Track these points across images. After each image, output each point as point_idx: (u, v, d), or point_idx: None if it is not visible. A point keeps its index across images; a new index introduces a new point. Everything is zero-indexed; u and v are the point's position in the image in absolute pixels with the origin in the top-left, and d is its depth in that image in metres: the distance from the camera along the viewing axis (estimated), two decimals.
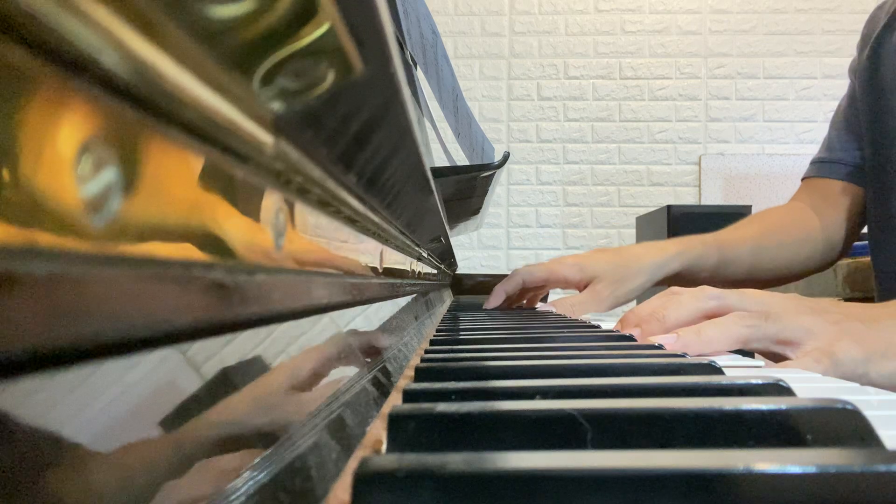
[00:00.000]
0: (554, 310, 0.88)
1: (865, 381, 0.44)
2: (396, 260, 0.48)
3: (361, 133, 0.23)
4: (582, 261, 0.88)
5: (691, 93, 2.66)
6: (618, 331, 0.53)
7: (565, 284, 0.88)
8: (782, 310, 0.48)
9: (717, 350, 0.46)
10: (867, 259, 1.07)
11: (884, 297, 0.85)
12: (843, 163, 0.90)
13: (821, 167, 0.93)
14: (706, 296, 0.50)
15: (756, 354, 0.50)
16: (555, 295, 1.07)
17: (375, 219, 0.34)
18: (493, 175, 0.79)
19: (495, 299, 0.92)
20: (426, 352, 0.38)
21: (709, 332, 0.45)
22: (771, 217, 0.94)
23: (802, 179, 0.96)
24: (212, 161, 0.14)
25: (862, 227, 0.92)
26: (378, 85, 0.20)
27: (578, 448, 0.19)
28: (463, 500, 0.14)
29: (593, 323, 0.66)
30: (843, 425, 0.19)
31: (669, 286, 0.58)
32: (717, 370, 0.30)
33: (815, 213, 0.92)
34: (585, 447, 0.19)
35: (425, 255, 0.72)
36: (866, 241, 0.90)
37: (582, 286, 0.86)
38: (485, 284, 1.48)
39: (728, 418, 0.20)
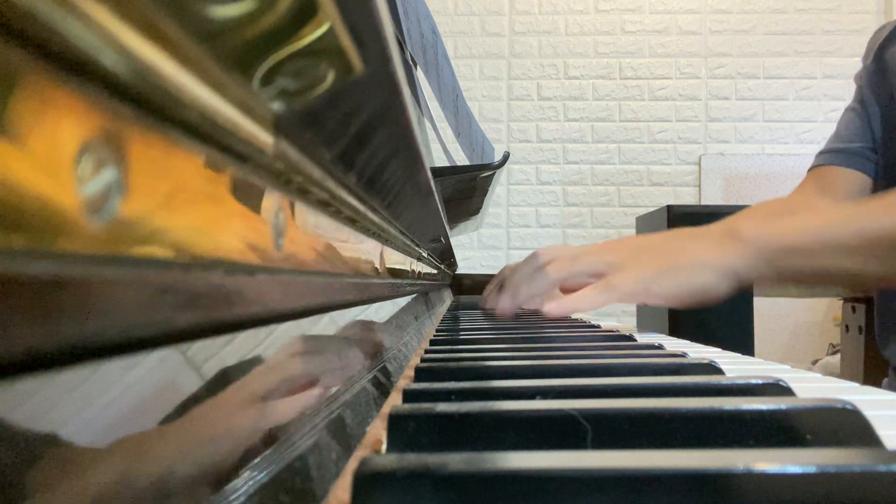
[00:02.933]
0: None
1: (651, 294, 0.60)
2: (396, 260, 0.48)
3: (361, 133, 0.23)
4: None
5: (691, 93, 2.66)
6: (617, 331, 0.54)
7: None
8: (589, 252, 0.64)
9: (546, 289, 0.63)
10: None
11: (884, 296, 0.86)
12: (852, 152, 0.90)
13: (830, 156, 0.92)
14: (534, 257, 0.67)
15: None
16: None
17: (375, 219, 0.34)
18: (493, 175, 0.79)
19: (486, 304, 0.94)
20: (426, 352, 0.38)
21: (533, 286, 0.63)
22: (771, 210, 0.93)
23: (810, 169, 0.95)
24: (212, 161, 0.14)
25: None
26: (378, 85, 0.20)
27: (578, 448, 0.19)
28: (463, 500, 0.14)
29: (593, 323, 0.66)
30: (843, 425, 0.19)
31: None
32: (717, 370, 0.30)
33: (821, 199, 0.91)
34: (585, 447, 0.19)
35: (425, 255, 0.72)
36: None
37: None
38: (485, 284, 1.48)
39: (728, 418, 0.20)
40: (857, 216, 0.60)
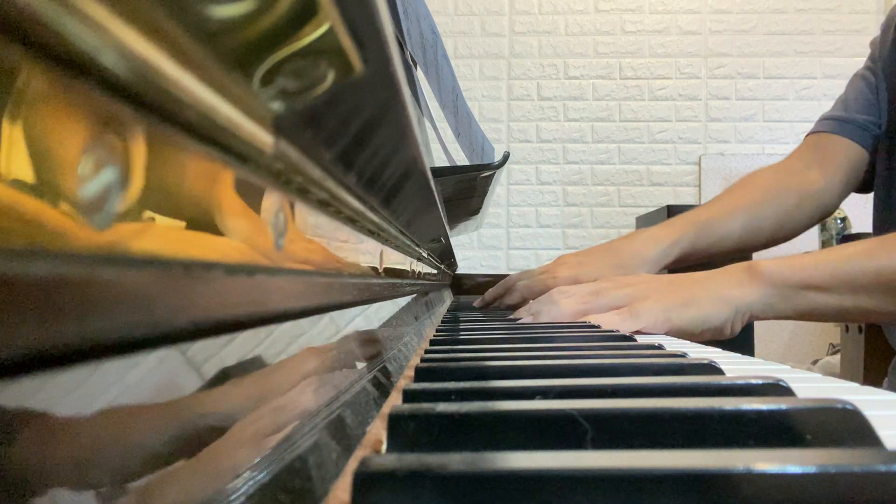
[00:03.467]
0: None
1: (670, 325, 0.61)
2: (396, 260, 0.48)
3: (361, 133, 0.23)
4: (577, 270, 0.89)
5: (691, 93, 2.66)
6: (617, 331, 0.54)
7: None
8: (610, 286, 0.66)
9: (565, 318, 0.65)
10: None
11: None
12: (857, 124, 0.89)
13: (833, 124, 0.91)
14: (558, 291, 0.69)
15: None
16: None
17: (375, 219, 0.34)
18: (493, 175, 0.79)
19: (483, 303, 0.97)
20: (426, 352, 0.38)
21: (553, 312, 0.65)
22: (763, 183, 0.93)
23: (810, 133, 0.94)
24: (212, 161, 0.14)
25: (853, 189, 0.92)
26: (378, 85, 0.20)
27: (578, 448, 0.19)
28: (463, 500, 0.14)
29: (593, 323, 0.66)
30: (843, 425, 0.19)
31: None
32: (718, 370, 0.30)
33: (817, 169, 0.91)
34: (585, 447, 0.19)
35: (425, 255, 0.72)
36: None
37: None
38: (485, 285, 1.48)
39: (728, 418, 0.20)
40: (875, 254, 0.61)
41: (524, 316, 0.68)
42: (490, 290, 0.98)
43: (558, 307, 0.65)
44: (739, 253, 0.92)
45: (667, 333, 0.61)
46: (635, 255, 0.88)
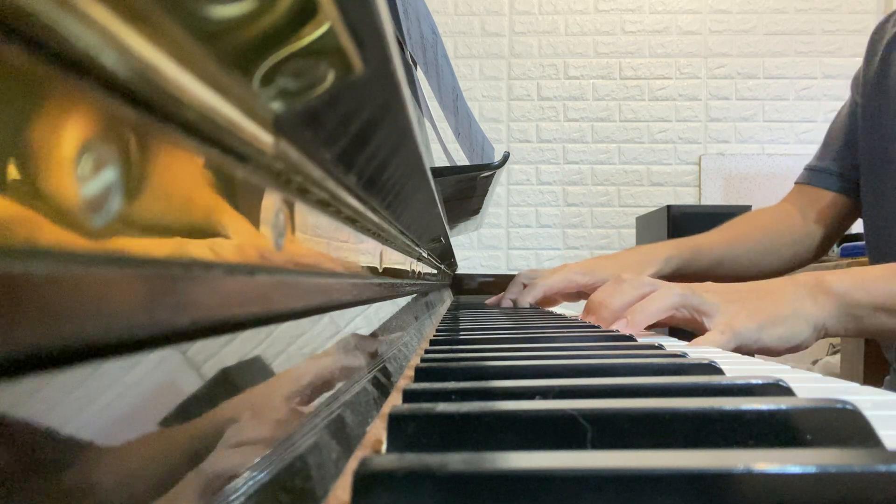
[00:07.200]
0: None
1: (760, 344, 0.59)
2: (396, 260, 0.48)
3: (361, 133, 0.23)
4: (587, 266, 0.93)
5: (691, 93, 2.66)
6: (617, 330, 0.54)
7: (577, 291, 0.93)
8: (699, 289, 0.62)
9: (657, 317, 0.59)
10: (863, 260, 1.10)
11: None
12: (830, 173, 0.96)
13: (810, 175, 0.99)
14: (643, 283, 0.63)
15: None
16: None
17: (375, 219, 0.34)
18: (493, 175, 0.79)
19: (504, 302, 0.98)
20: (426, 352, 0.38)
21: (649, 307, 0.59)
22: (754, 221, 1.01)
23: (795, 183, 1.02)
24: (212, 161, 0.14)
25: (839, 236, 1.00)
26: (378, 85, 0.20)
27: (578, 448, 0.19)
28: (463, 500, 0.14)
29: (592, 323, 0.66)
30: (843, 425, 0.19)
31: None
32: (718, 370, 0.30)
33: (801, 216, 0.98)
34: (585, 447, 0.19)
35: (425, 255, 0.72)
36: (862, 242, 0.93)
37: (591, 290, 0.89)
38: (485, 284, 1.48)
39: (728, 418, 0.20)
40: None
41: (620, 327, 0.60)
42: (506, 293, 0.97)
43: (653, 302, 0.60)
44: (731, 280, 0.95)
45: (751, 350, 0.59)
46: (636, 265, 0.91)
